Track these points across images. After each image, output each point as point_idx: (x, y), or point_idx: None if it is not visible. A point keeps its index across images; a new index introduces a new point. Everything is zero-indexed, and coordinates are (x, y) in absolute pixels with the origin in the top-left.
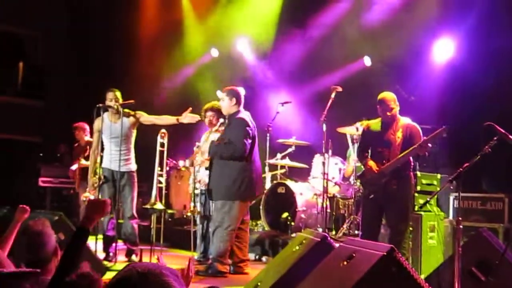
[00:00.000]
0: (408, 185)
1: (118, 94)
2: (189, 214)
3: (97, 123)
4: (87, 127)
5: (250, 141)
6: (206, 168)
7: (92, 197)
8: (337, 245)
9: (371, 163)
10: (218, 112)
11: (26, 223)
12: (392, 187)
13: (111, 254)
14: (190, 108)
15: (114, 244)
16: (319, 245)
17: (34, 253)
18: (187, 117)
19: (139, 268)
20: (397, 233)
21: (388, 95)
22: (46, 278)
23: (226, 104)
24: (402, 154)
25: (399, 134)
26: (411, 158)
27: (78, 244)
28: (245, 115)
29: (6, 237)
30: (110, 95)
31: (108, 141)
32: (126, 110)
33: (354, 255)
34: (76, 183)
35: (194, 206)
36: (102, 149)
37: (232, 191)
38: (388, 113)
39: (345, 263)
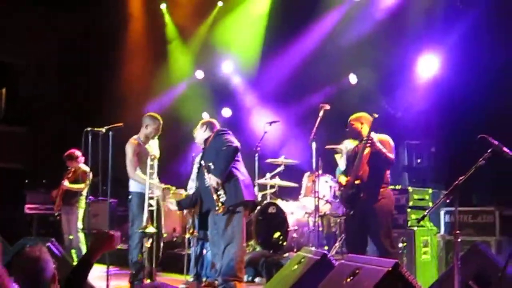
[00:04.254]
0: (384, 201)
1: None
2: (187, 236)
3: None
4: (78, 154)
5: (230, 137)
6: None
7: None
8: (336, 262)
9: (341, 178)
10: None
11: (22, 249)
12: (368, 204)
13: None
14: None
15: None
16: (319, 263)
17: (31, 280)
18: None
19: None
20: (384, 250)
21: (352, 116)
22: None
23: (198, 134)
24: (357, 158)
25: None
26: (386, 173)
27: (81, 276)
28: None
29: None
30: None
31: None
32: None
33: (357, 271)
34: (56, 204)
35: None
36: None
37: (234, 193)
38: (347, 129)
39: (348, 280)
